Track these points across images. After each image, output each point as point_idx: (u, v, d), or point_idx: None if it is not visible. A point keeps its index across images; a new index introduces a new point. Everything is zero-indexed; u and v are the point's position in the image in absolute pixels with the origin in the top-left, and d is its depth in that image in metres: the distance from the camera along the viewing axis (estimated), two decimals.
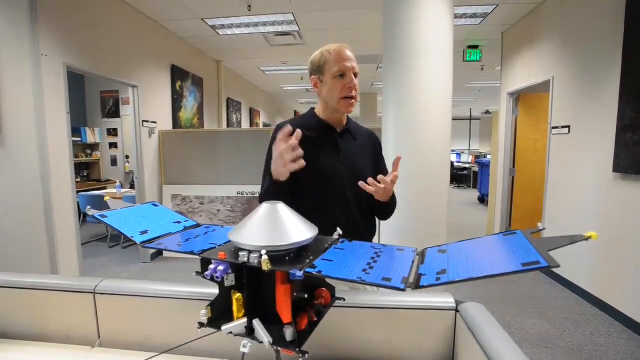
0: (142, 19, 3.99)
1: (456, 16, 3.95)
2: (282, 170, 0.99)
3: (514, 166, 4.49)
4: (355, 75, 1.16)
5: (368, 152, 1.29)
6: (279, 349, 0.62)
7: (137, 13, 3.89)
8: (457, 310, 0.91)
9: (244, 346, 0.63)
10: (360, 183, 1.03)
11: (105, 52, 3.40)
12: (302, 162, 0.97)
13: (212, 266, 0.64)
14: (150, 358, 0.82)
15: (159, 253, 4.26)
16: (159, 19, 4.18)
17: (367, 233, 1.27)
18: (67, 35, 2.94)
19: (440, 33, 2.55)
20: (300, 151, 0.95)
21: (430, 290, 0.66)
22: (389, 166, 1.18)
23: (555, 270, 3.42)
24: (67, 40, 2.94)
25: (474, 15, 4.07)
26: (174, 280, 1.06)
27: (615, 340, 2.39)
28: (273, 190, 1.04)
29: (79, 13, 3.09)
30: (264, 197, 1.07)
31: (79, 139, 5.87)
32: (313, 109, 1.28)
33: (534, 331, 2.51)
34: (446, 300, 0.94)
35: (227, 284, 0.65)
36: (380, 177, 1.03)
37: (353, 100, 1.16)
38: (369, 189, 1.02)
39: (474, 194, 9.18)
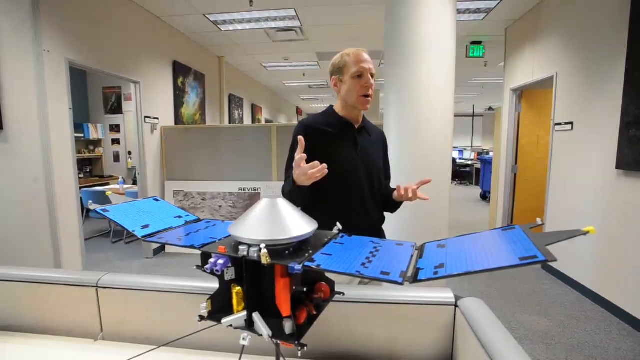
0: (143, 15, 3.99)
1: (459, 11, 3.92)
2: (303, 178, 1.05)
3: (516, 163, 4.47)
4: (372, 75, 1.26)
5: (379, 148, 1.43)
6: (278, 342, 0.63)
7: (139, 8, 3.89)
8: (456, 306, 0.92)
9: (243, 339, 0.64)
10: (396, 196, 1.24)
11: (107, 48, 3.41)
12: (325, 171, 1.02)
13: (212, 260, 0.64)
14: (151, 350, 0.83)
15: (161, 248, 4.28)
16: (161, 14, 4.17)
17: (378, 219, 1.39)
18: (69, 31, 2.94)
19: (443, 29, 2.53)
20: (323, 166, 1.00)
21: (430, 285, 0.66)
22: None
23: (556, 267, 3.44)
24: (69, 36, 2.94)
25: (477, 11, 4.04)
26: (175, 275, 1.07)
27: (615, 337, 2.39)
28: (296, 193, 1.12)
29: (81, 9, 3.09)
30: (287, 198, 1.14)
31: (82, 135, 5.89)
32: (332, 106, 1.37)
33: (535, 328, 2.52)
34: (446, 295, 0.94)
35: (227, 277, 0.65)
36: (412, 189, 1.20)
37: (369, 98, 1.27)
38: (405, 197, 1.21)
39: (476, 190, 9.16)
